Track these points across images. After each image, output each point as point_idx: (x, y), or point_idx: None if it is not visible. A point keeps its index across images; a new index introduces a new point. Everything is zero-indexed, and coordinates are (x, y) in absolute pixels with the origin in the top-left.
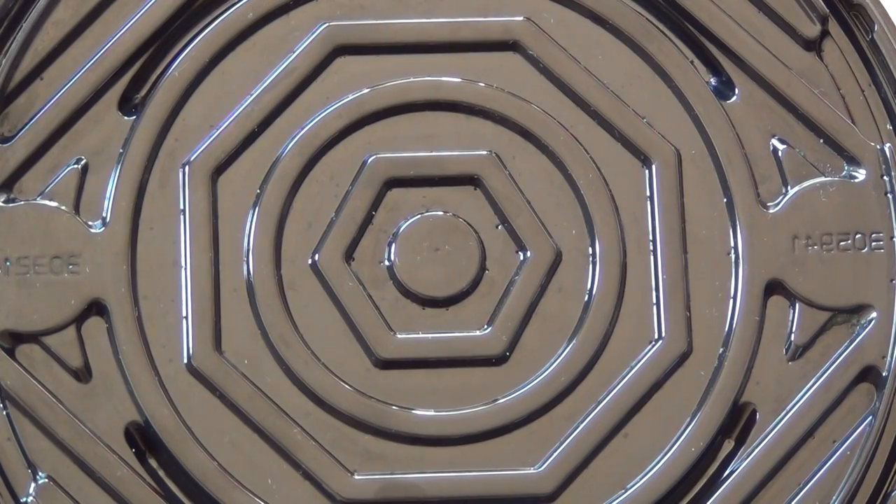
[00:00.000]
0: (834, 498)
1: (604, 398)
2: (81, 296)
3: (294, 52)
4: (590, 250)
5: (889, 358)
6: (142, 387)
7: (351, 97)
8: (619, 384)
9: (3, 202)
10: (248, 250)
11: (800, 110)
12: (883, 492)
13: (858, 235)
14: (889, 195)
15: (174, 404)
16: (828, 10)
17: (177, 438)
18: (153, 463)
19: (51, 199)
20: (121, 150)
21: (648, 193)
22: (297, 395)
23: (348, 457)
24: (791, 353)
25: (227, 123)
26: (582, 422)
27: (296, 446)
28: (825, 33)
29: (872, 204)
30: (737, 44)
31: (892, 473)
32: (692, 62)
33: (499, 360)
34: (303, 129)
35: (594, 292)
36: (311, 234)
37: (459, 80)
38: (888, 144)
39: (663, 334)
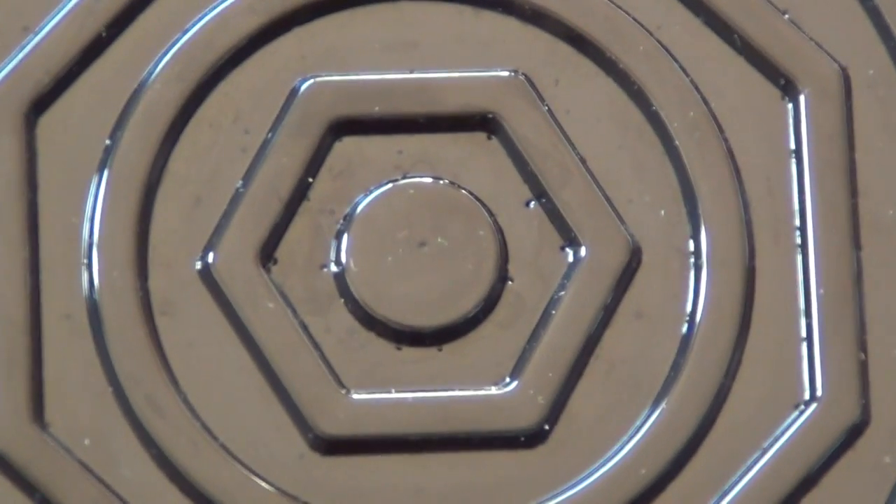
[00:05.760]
0: None
1: None
2: None
3: None
4: (690, 245)
5: None
6: None
7: None
8: (742, 480)
9: None
10: (91, 247)
11: None
12: None
13: None
14: None
15: None
16: None
17: None
18: None
19: None
20: None
21: (793, 146)
22: (177, 499)
23: None
24: None
25: (51, 24)
26: None
27: None
28: None
29: None
30: None
31: None
32: None
33: (531, 439)
34: (185, 32)
35: (698, 318)
36: (200, 218)
37: None
38: None
39: (818, 392)
